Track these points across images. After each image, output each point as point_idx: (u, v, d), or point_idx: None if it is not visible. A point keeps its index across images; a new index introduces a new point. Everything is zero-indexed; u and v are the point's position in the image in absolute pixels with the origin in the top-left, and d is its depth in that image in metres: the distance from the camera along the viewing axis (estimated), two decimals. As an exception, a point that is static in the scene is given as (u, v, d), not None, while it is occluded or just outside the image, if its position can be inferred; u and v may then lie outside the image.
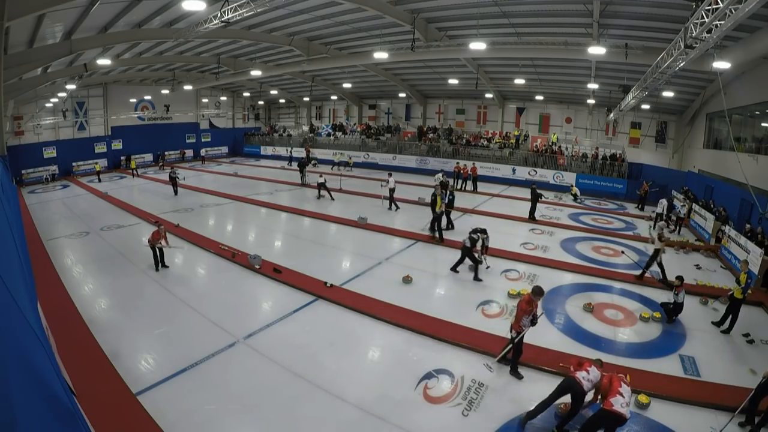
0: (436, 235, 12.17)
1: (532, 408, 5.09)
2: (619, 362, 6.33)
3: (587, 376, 4.86)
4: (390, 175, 16.78)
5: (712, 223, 13.07)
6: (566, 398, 4.97)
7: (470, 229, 9.93)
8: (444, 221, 12.74)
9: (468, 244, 9.38)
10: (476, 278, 9.41)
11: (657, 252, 9.52)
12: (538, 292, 5.93)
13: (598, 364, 5.15)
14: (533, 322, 5.93)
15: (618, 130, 23.17)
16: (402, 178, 23.99)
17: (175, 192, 18.97)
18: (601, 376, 4.90)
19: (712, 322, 7.84)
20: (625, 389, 4.58)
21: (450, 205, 13.03)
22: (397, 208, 16.10)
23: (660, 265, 9.60)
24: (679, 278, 7.77)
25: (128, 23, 14.30)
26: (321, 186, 17.92)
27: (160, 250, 9.76)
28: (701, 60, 10.75)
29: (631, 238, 13.41)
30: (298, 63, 20.94)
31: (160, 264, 9.80)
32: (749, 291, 7.79)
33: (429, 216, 12.62)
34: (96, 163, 25.66)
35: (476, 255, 9.54)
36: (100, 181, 23.68)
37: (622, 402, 4.44)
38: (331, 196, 17.95)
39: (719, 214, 13.20)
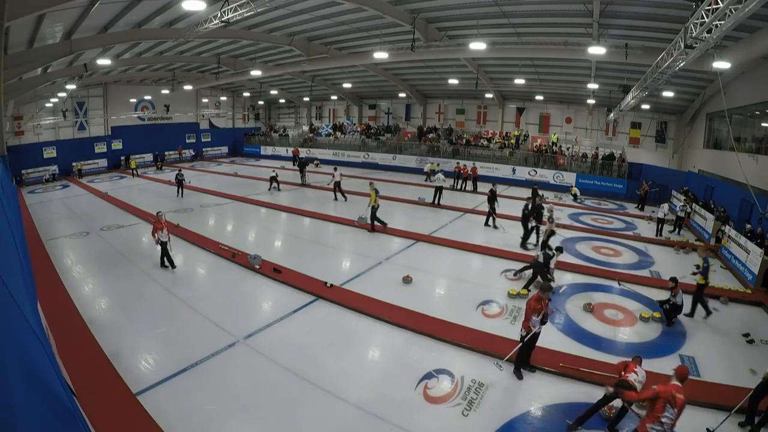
0: (376, 224, 13.10)
1: (580, 414, 5.01)
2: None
3: (637, 378, 4.86)
4: (336, 169, 18.56)
5: (712, 223, 13.07)
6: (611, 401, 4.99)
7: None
8: (535, 238, 12.17)
9: (541, 260, 8.71)
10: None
11: (549, 233, 10.65)
12: (545, 288, 5.93)
13: (638, 361, 5.13)
14: (543, 321, 5.89)
15: (618, 130, 23.17)
16: (402, 178, 24.21)
17: (180, 194, 18.67)
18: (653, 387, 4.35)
19: (685, 314, 7.92)
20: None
21: (539, 219, 12.14)
22: (345, 199, 17.67)
23: (547, 244, 10.33)
24: (673, 279, 7.79)
25: (128, 23, 14.29)
26: (273, 179, 20.37)
27: (165, 247, 9.66)
28: (701, 60, 10.73)
29: (631, 238, 13.42)
30: (298, 63, 20.94)
31: (169, 263, 9.76)
32: (708, 280, 7.98)
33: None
34: (77, 164, 25.58)
35: (550, 274, 8.84)
36: (81, 177, 24.83)
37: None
38: (278, 187, 20.18)
39: (719, 214, 13.20)
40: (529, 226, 12.17)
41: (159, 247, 9.74)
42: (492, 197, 13.77)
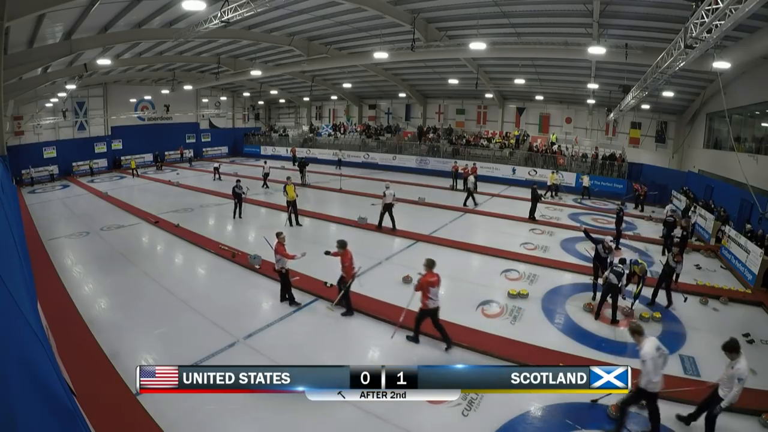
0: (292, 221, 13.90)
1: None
2: (620, 362, 6.31)
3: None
4: (265, 162, 21.72)
5: (712, 223, 13.07)
6: (612, 399, 5.08)
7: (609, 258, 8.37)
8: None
9: (615, 281, 7.22)
10: (614, 320, 7.58)
11: (389, 206, 12.62)
12: (341, 245, 7.43)
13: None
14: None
15: (618, 130, 23.16)
16: (402, 178, 24.15)
17: (239, 213, 14.71)
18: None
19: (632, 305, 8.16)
20: None
21: (682, 245, 10.48)
22: (267, 187, 20.01)
23: (391, 216, 12.76)
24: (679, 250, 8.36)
25: (128, 23, 14.30)
26: (215, 170, 23.22)
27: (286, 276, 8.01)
28: (701, 60, 10.73)
29: (630, 238, 13.40)
30: (298, 63, 20.95)
31: (289, 297, 8.09)
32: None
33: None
34: (90, 162, 27.07)
35: (621, 295, 7.50)
36: (92, 174, 26.06)
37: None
38: (220, 177, 22.70)
39: (719, 214, 13.20)
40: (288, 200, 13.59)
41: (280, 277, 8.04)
42: (619, 220, 12.39)
